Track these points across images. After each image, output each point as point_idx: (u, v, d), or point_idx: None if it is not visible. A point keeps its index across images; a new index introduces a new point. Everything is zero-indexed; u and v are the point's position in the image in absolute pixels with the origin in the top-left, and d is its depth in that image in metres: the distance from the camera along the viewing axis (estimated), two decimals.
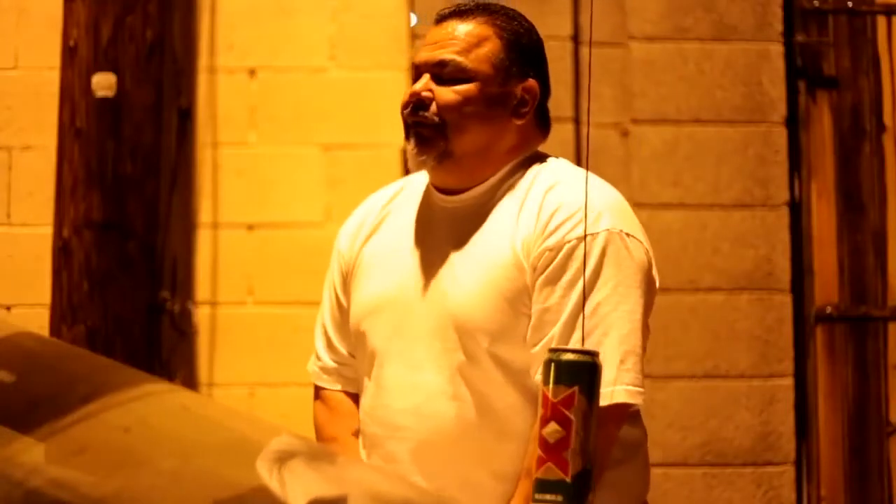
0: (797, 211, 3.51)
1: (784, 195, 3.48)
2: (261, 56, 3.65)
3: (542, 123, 2.11)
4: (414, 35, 3.53)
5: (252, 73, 3.65)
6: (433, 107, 2.01)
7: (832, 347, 3.52)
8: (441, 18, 2.06)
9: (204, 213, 3.61)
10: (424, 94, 2.01)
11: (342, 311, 2.16)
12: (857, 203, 3.57)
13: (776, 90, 3.49)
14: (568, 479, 1.47)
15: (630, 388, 1.93)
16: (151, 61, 3.48)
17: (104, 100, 3.40)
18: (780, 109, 3.49)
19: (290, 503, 1.56)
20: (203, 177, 3.62)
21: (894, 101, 3.60)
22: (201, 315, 3.59)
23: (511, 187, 2.04)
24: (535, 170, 2.05)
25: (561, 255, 1.94)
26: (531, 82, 2.05)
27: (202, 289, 3.59)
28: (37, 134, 3.59)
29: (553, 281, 1.94)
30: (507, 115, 2.04)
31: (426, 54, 2.04)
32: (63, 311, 3.38)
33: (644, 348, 2.02)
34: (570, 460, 1.47)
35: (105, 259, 3.38)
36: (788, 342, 3.44)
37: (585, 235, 1.93)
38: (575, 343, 1.89)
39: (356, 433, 2.12)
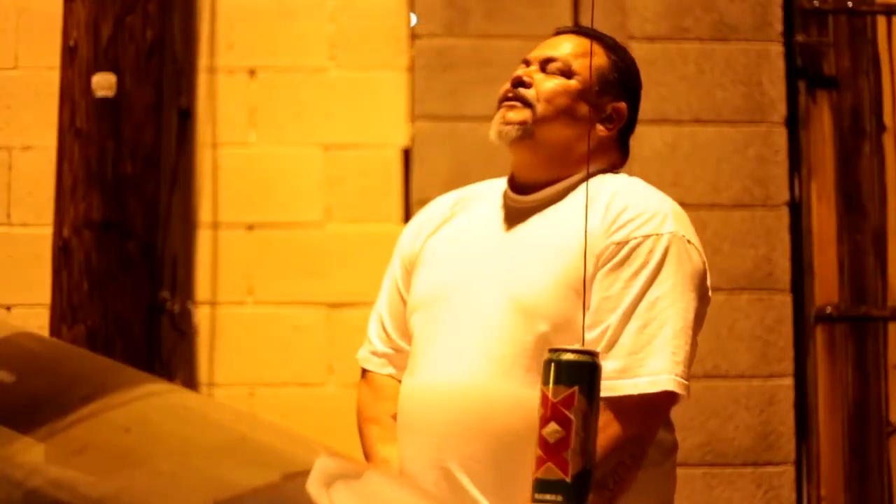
0: (797, 211, 3.51)
1: (784, 195, 3.48)
2: (261, 56, 3.65)
3: (623, 148, 2.22)
4: (414, 35, 3.53)
5: (252, 73, 3.65)
6: (532, 90, 2.13)
7: (832, 347, 3.52)
8: (560, 31, 2.23)
9: (204, 213, 3.61)
10: (527, 78, 2.15)
11: (397, 302, 2.22)
12: (857, 203, 3.57)
13: (776, 90, 3.49)
14: (568, 479, 1.47)
15: (679, 379, 1.98)
16: (151, 61, 3.48)
17: (104, 100, 3.40)
18: (780, 109, 3.49)
19: None
20: (203, 177, 3.62)
21: (894, 101, 3.60)
22: (201, 315, 3.59)
23: (582, 190, 2.09)
24: (608, 178, 2.14)
25: (625, 249, 2.02)
26: (622, 105, 2.18)
27: (202, 289, 3.59)
28: (37, 134, 3.59)
29: (615, 272, 2.01)
30: (594, 123, 2.14)
31: (537, 52, 2.19)
32: (63, 311, 3.38)
33: (692, 355, 2.06)
34: (570, 460, 1.47)
35: (105, 259, 3.38)
36: (788, 342, 3.44)
37: (585, 236, 1.95)
38: (631, 335, 1.95)
39: (395, 416, 2.15)
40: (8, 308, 3.57)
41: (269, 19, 3.65)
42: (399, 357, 2.20)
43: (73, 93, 3.43)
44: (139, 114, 3.44)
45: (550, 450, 1.47)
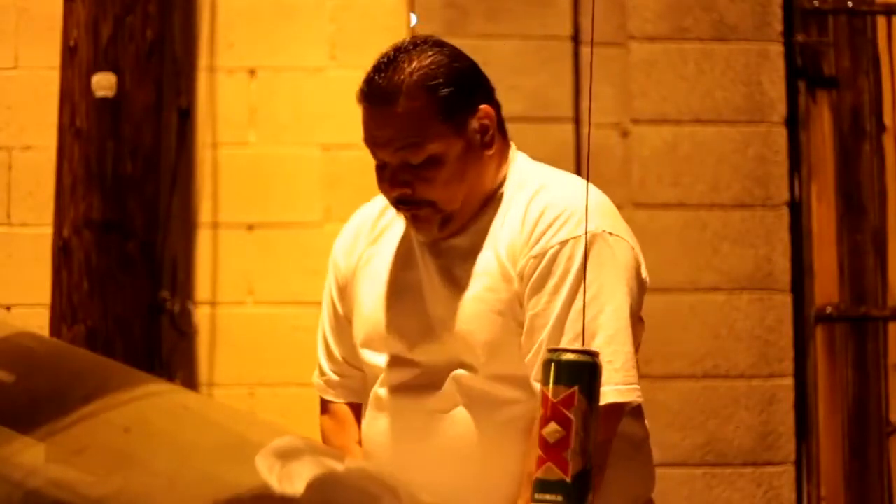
0: (797, 211, 3.51)
1: (784, 195, 3.48)
2: (261, 56, 3.65)
3: (502, 129, 2.09)
4: (414, 35, 3.53)
5: (252, 72, 3.65)
6: (416, 196, 1.99)
7: (832, 347, 3.52)
8: (368, 104, 1.99)
9: (204, 213, 3.61)
10: (404, 195, 1.99)
11: (339, 321, 2.18)
12: (857, 203, 3.57)
13: (776, 90, 3.49)
14: (568, 479, 1.47)
15: (620, 387, 1.93)
16: (151, 61, 3.48)
17: (104, 100, 3.40)
18: (780, 109, 3.49)
19: (287, 492, 1.57)
20: (203, 177, 3.62)
21: (894, 101, 3.60)
22: (201, 315, 3.59)
23: (496, 203, 2.04)
24: (515, 180, 2.05)
25: (545, 260, 1.95)
26: (483, 108, 2.02)
27: (202, 289, 3.59)
28: (37, 134, 3.59)
29: (539, 287, 1.95)
30: (479, 154, 2.02)
31: (381, 154, 1.99)
32: (63, 311, 3.38)
33: (638, 344, 2.02)
34: (571, 460, 1.47)
35: (105, 259, 3.38)
36: (788, 342, 3.44)
37: (586, 234, 1.93)
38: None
39: (360, 442, 2.14)
40: (8, 308, 3.57)
41: (269, 19, 3.65)
42: (351, 381, 2.17)
43: (73, 93, 3.43)
44: (139, 114, 3.44)
45: (550, 450, 1.47)
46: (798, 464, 3.43)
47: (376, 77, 1.98)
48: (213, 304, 3.59)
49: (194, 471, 1.65)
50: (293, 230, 3.59)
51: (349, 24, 3.65)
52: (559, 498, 1.46)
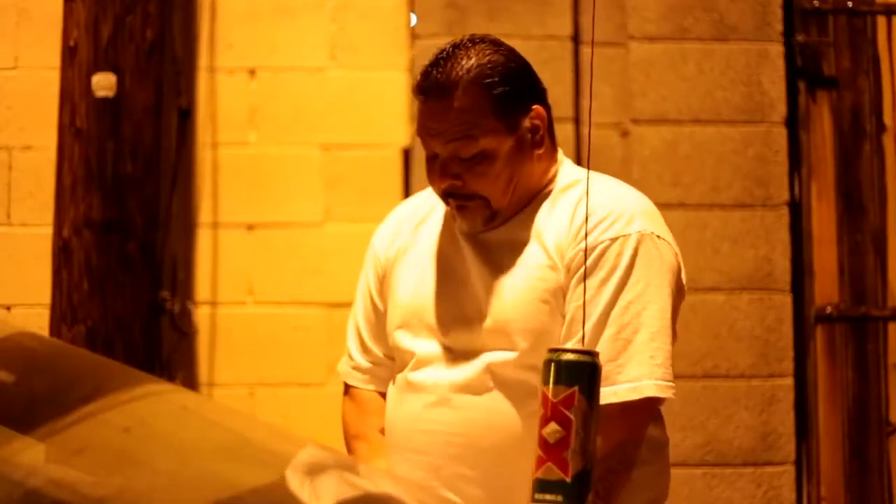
0: (797, 211, 3.51)
1: (784, 195, 3.47)
2: (261, 56, 3.65)
3: (552, 130, 2.14)
4: (414, 35, 3.53)
5: (252, 72, 3.65)
6: (466, 189, 2.03)
7: (832, 347, 3.52)
8: (424, 97, 2.03)
9: (204, 213, 3.62)
10: (454, 187, 2.03)
11: (377, 314, 2.19)
12: (857, 203, 3.57)
13: (776, 90, 3.49)
14: (568, 479, 1.47)
15: (661, 382, 1.96)
16: (151, 61, 3.48)
17: (104, 100, 3.40)
18: (780, 109, 3.49)
19: None
20: (203, 177, 3.62)
21: (894, 101, 3.60)
22: (201, 315, 3.59)
23: (543, 200, 2.08)
24: (563, 180, 2.09)
25: (594, 254, 1.98)
26: (536, 109, 2.06)
27: (202, 289, 3.60)
28: (37, 134, 3.59)
29: (585, 279, 1.97)
30: (529, 153, 2.06)
31: (435, 147, 2.03)
32: (63, 311, 3.38)
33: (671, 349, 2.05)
34: (571, 460, 1.47)
35: (105, 259, 3.38)
36: (788, 342, 3.43)
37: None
38: (607, 341, 1.93)
39: (382, 431, 2.14)
40: (8, 308, 3.57)
41: (269, 19, 3.65)
42: (381, 370, 2.19)
43: (73, 93, 3.43)
44: (139, 114, 3.44)
45: (550, 450, 1.47)
46: (798, 464, 3.43)
47: (434, 71, 2.02)
48: (213, 304, 3.59)
49: (194, 471, 1.65)
50: (293, 230, 3.60)
51: (349, 24, 3.65)
52: (559, 498, 1.46)
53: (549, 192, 2.08)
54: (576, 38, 3.50)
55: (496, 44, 2.06)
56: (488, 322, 2.02)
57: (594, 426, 1.49)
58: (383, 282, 2.18)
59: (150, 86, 3.47)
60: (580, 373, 1.49)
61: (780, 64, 3.51)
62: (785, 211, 3.47)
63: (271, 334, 3.56)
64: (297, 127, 3.62)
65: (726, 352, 3.40)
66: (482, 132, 2.00)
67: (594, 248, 1.98)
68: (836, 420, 3.50)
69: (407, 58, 3.60)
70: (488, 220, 2.05)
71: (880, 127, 3.59)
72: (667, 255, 2.02)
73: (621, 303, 1.95)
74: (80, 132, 3.41)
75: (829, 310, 3.52)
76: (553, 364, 1.50)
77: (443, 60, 2.02)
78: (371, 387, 2.20)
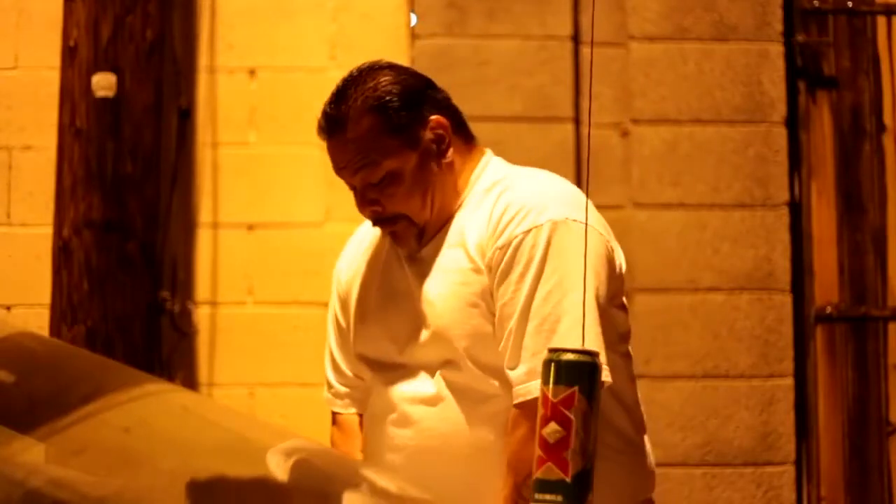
0: (797, 211, 3.51)
1: (784, 195, 3.48)
2: (261, 56, 3.65)
3: (464, 134, 2.15)
4: (414, 35, 3.53)
5: (252, 73, 3.65)
6: (387, 212, 2.08)
7: (832, 347, 3.52)
8: (325, 135, 2.08)
9: (204, 213, 3.61)
10: (376, 213, 2.09)
11: (343, 335, 2.23)
12: (857, 203, 3.57)
13: (776, 90, 3.49)
14: (568, 479, 1.47)
15: None
16: (151, 61, 3.48)
17: (104, 100, 3.40)
18: (780, 109, 3.49)
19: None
20: (203, 177, 3.62)
21: (894, 101, 3.60)
22: (201, 315, 3.59)
23: (462, 205, 2.11)
24: (483, 182, 2.11)
25: (510, 251, 1.99)
26: (434, 119, 2.08)
27: (202, 289, 3.59)
28: (37, 134, 3.59)
29: (506, 277, 1.99)
30: (438, 163, 2.08)
31: (348, 179, 2.09)
32: (63, 311, 3.38)
33: (626, 332, 2.08)
34: (571, 460, 1.47)
35: (105, 259, 3.38)
36: (788, 342, 3.44)
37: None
38: (531, 335, 1.94)
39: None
40: (8, 308, 3.57)
41: (269, 19, 3.65)
42: (358, 391, 2.23)
43: (73, 93, 3.43)
44: (139, 114, 3.44)
45: (550, 450, 1.47)
46: (798, 464, 3.43)
47: (327, 108, 2.08)
48: (213, 304, 3.59)
49: (194, 470, 1.65)
50: (293, 230, 3.60)
51: (349, 25, 3.65)
52: (559, 498, 1.46)
53: (473, 194, 2.10)
54: (576, 38, 3.50)
55: (385, 66, 2.10)
56: (429, 333, 2.05)
57: (594, 426, 1.49)
58: (346, 304, 2.22)
59: (150, 86, 3.47)
60: (580, 373, 1.49)
61: (780, 64, 3.51)
62: (785, 211, 3.47)
63: (271, 334, 3.56)
64: (297, 127, 3.62)
65: (726, 352, 3.40)
66: (382, 155, 2.04)
67: (509, 243, 1.99)
68: (836, 420, 3.50)
69: (407, 58, 3.60)
70: (420, 237, 2.09)
71: (880, 127, 3.59)
72: (590, 238, 1.95)
73: (540, 293, 1.95)
74: (80, 132, 3.41)
75: (829, 310, 3.52)
76: (553, 364, 1.50)
77: (334, 97, 2.08)
78: (352, 410, 2.24)
